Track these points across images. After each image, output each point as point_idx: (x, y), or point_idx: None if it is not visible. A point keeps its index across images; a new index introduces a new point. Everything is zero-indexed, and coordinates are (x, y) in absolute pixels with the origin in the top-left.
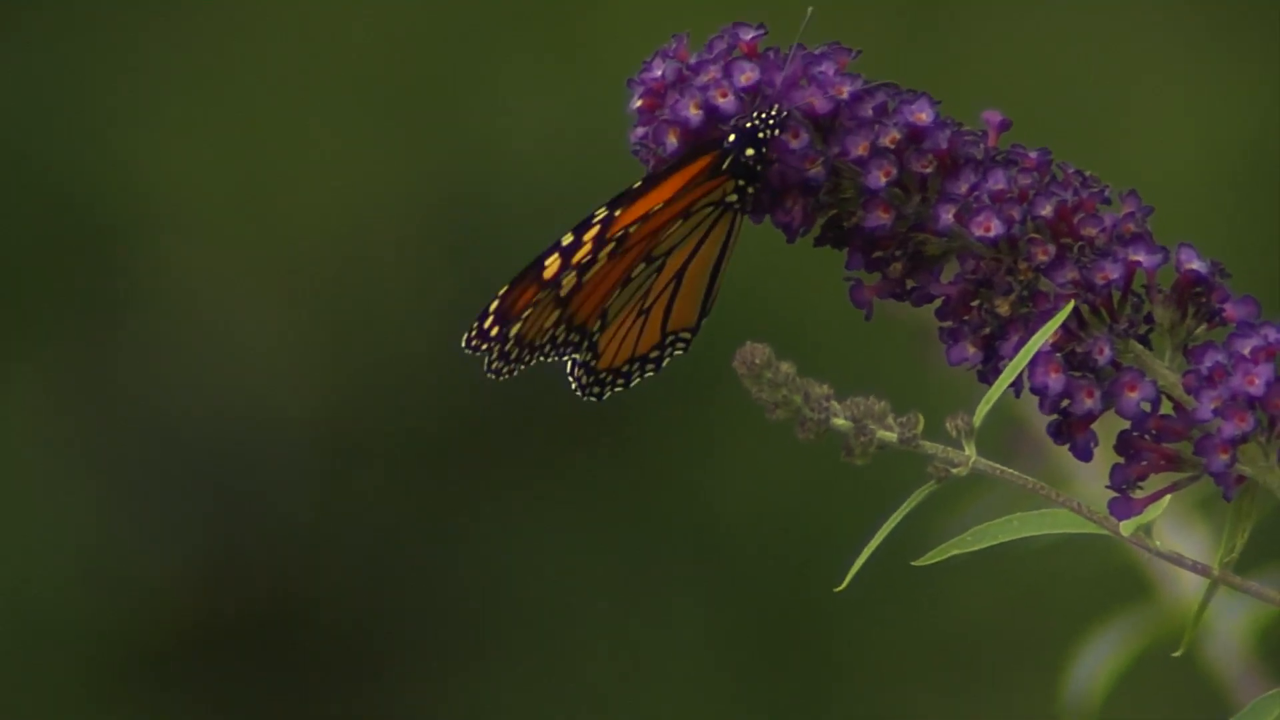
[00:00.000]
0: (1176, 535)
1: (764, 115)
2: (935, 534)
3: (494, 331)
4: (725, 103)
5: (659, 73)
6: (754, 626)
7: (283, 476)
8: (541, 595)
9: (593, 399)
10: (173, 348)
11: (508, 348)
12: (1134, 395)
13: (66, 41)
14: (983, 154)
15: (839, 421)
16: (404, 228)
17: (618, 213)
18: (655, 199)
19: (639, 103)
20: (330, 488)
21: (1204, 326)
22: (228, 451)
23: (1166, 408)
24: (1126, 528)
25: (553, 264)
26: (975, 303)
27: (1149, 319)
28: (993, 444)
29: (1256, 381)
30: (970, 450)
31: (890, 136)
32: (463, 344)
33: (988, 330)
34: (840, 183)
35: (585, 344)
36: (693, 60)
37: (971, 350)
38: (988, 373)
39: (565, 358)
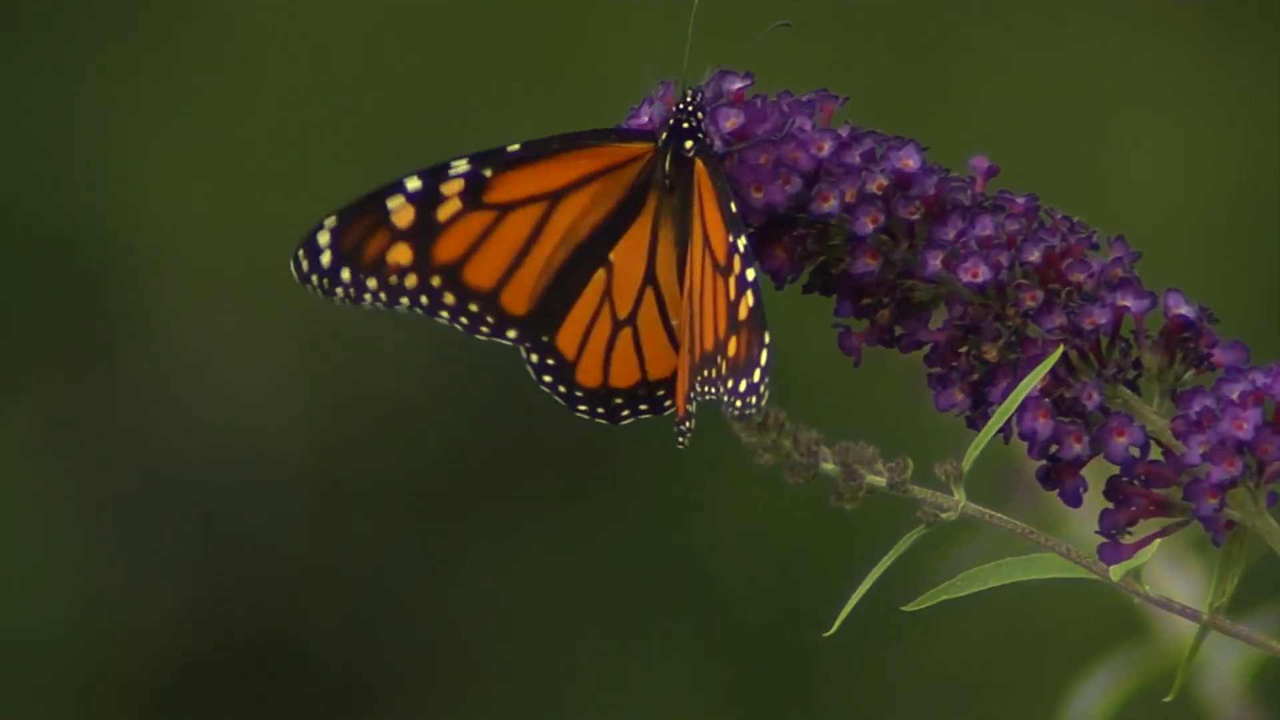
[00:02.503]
0: (1170, 574)
1: (683, 106)
2: (927, 574)
3: (345, 274)
4: (714, 148)
5: (646, 119)
6: (744, 664)
7: (273, 514)
8: (532, 633)
9: (613, 423)
10: (164, 386)
11: (339, 271)
12: (1122, 440)
13: (56, 79)
14: (970, 200)
15: (828, 466)
16: None
17: (487, 172)
18: (558, 176)
19: None
20: (321, 526)
21: (1192, 371)
22: (218, 490)
23: (1156, 453)
24: (1116, 572)
25: (403, 212)
26: (963, 349)
27: (1137, 364)
28: (986, 483)
29: (1245, 426)
30: (959, 495)
31: (877, 183)
32: (296, 278)
33: (976, 376)
34: (828, 229)
35: (533, 339)
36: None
37: (960, 396)
38: (976, 419)
39: (495, 338)
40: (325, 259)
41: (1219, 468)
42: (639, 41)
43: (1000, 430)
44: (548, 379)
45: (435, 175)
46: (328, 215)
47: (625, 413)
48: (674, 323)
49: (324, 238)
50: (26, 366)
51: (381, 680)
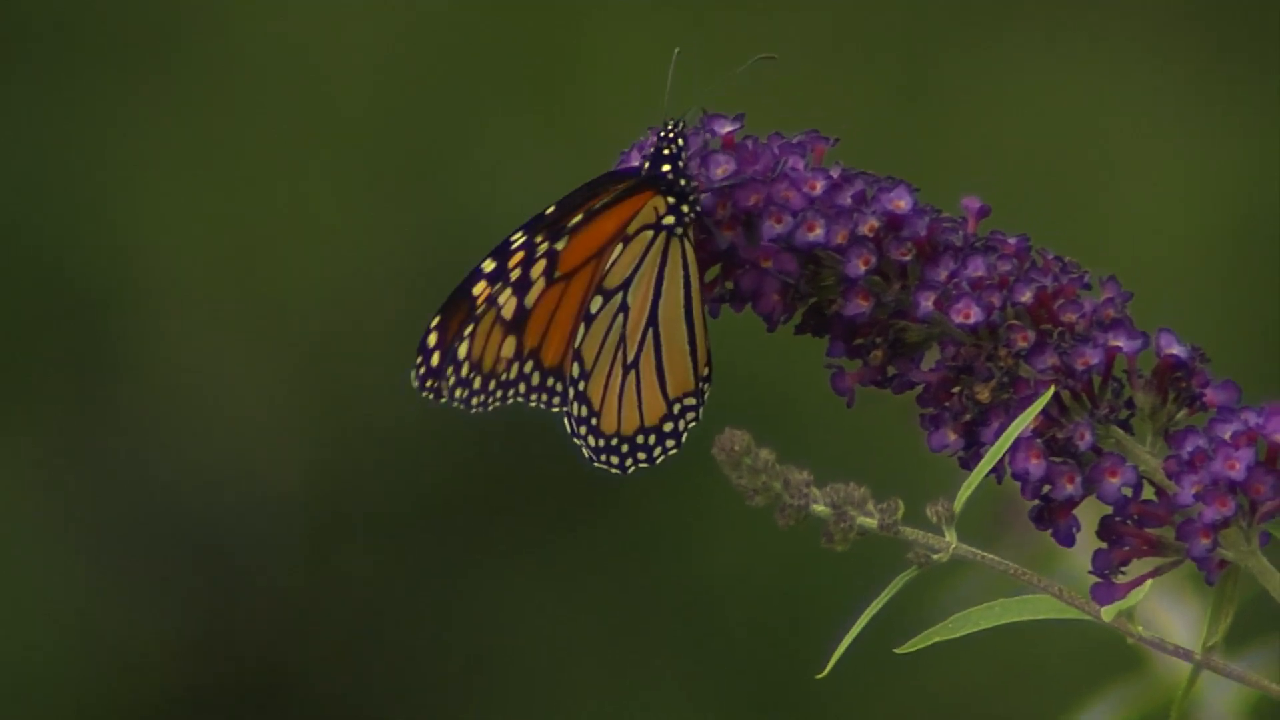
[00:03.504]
0: (1168, 608)
1: (667, 133)
2: (924, 608)
3: (440, 364)
4: (702, 198)
5: (636, 164)
6: (742, 694)
7: (271, 545)
8: (529, 663)
9: (614, 470)
10: (162, 417)
11: (465, 374)
12: (1115, 480)
13: (55, 111)
14: (962, 241)
15: (819, 508)
16: (392, 296)
17: (538, 239)
18: (601, 234)
19: None
20: (318, 556)
21: (1185, 411)
22: (216, 520)
23: (1149, 493)
24: (1108, 613)
25: (482, 292)
26: (956, 389)
27: (1130, 404)
28: (981, 519)
29: (1238, 466)
30: (951, 536)
31: (869, 224)
32: (415, 386)
33: (969, 416)
34: (820, 271)
35: (572, 393)
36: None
37: (953, 437)
38: (969, 459)
39: (553, 408)
40: (465, 372)
41: (1211, 507)
42: (635, 66)
43: (993, 470)
44: (584, 433)
45: (501, 252)
46: (433, 316)
47: (629, 461)
48: (668, 363)
49: (463, 349)
50: (24, 396)
51: (378, 709)
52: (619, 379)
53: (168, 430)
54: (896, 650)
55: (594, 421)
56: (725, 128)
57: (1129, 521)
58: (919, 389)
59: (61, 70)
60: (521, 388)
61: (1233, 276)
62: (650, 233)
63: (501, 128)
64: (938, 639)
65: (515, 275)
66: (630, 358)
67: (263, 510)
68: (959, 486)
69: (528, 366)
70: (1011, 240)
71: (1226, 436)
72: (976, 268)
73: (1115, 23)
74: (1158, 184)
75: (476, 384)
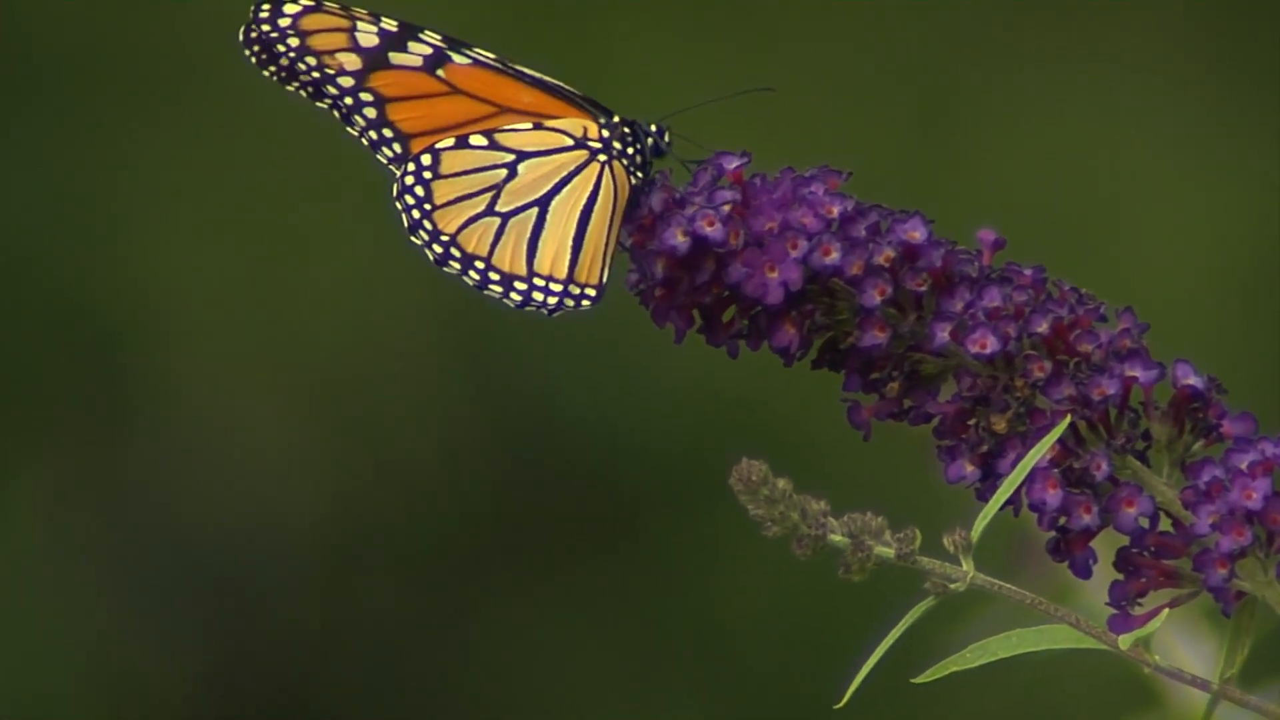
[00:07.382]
0: (1183, 644)
1: (624, 132)
2: (941, 642)
3: (293, 41)
4: (713, 231)
5: (644, 209)
6: None
7: (289, 580)
8: (547, 696)
9: (447, 269)
10: (180, 452)
11: (286, 26)
12: (1132, 511)
13: (69, 147)
14: (977, 271)
15: (836, 538)
16: (411, 333)
17: (458, 58)
18: (519, 96)
19: (629, 240)
20: (336, 591)
21: (1202, 442)
22: (234, 555)
23: (1166, 524)
24: (1124, 642)
25: (369, 37)
26: (972, 421)
27: (1146, 435)
28: (999, 553)
29: (1254, 496)
30: (968, 566)
31: (884, 255)
32: (251, 16)
33: (985, 448)
34: (835, 304)
35: (412, 166)
36: (679, 194)
37: (969, 468)
38: (986, 490)
39: (378, 155)
40: (284, 23)
41: (1228, 537)
42: (660, 101)
43: (1010, 501)
44: (410, 201)
45: (412, 30)
46: None
47: (468, 275)
48: (541, 247)
49: (291, 8)
50: (42, 433)
51: None
52: (477, 210)
53: (185, 465)
54: (914, 680)
55: (427, 207)
56: (732, 163)
57: (1146, 553)
58: (936, 421)
59: (75, 106)
60: (348, 101)
61: (1252, 307)
62: (569, 140)
63: None
64: (955, 669)
65: (391, 27)
66: (503, 209)
67: (281, 545)
68: (976, 517)
69: (365, 95)
70: (1027, 271)
71: (1243, 466)
72: (992, 298)
73: (1134, 54)
74: (1177, 215)
75: (296, 48)
